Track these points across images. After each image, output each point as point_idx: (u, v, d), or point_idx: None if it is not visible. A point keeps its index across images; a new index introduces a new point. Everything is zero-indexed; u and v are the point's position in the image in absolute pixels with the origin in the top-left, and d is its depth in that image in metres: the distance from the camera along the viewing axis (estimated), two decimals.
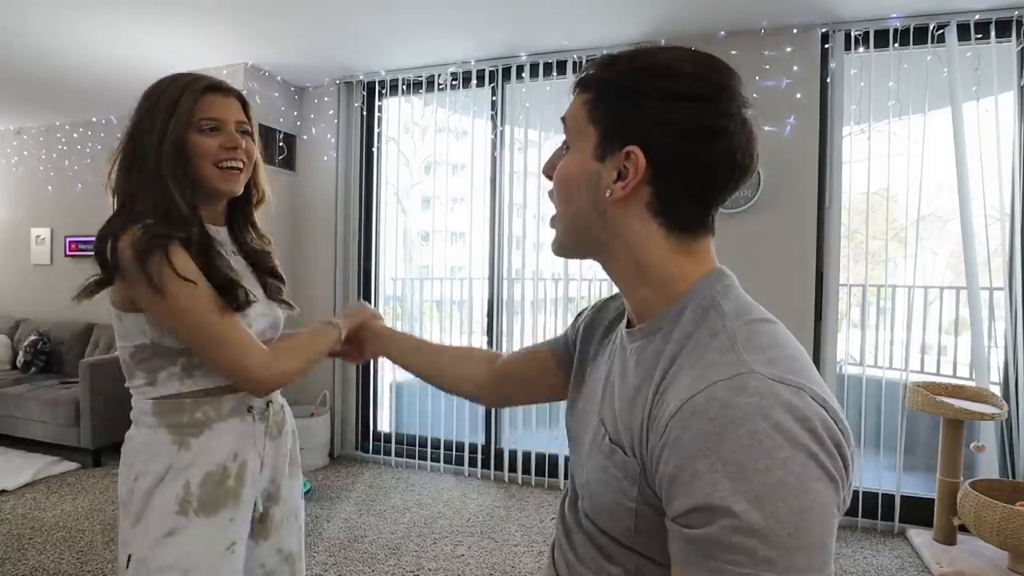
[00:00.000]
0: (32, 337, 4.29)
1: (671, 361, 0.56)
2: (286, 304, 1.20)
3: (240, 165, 1.06)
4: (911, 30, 2.73)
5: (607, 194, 0.59)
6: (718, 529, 0.46)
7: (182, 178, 1.00)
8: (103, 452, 3.60)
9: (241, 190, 1.09)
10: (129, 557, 1.00)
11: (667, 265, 0.60)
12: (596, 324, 0.79)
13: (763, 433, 0.46)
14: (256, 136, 1.11)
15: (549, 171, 0.66)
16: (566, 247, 0.67)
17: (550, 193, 0.66)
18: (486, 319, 3.62)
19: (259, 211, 1.19)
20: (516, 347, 3.60)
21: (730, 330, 0.54)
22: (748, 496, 0.45)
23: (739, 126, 0.57)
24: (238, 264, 1.11)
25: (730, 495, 0.45)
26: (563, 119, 0.64)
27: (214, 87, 1.04)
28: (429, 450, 3.67)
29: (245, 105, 1.10)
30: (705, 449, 0.47)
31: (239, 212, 1.16)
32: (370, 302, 3.83)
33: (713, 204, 0.60)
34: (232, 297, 0.99)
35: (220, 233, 1.12)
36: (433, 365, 1.06)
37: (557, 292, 3.78)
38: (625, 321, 0.70)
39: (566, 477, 2.87)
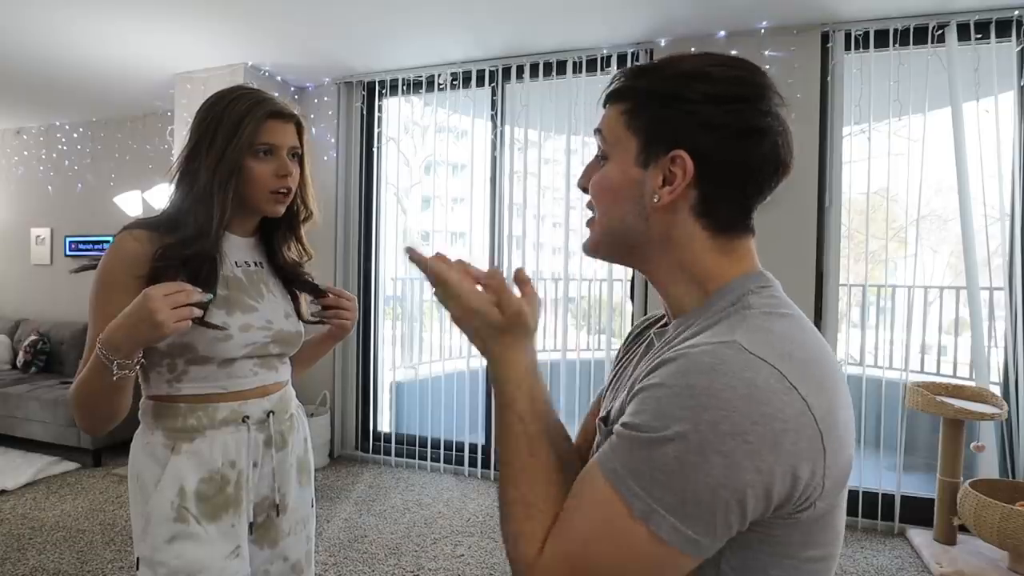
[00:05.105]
0: (32, 337, 4.29)
1: (683, 342, 0.57)
2: (317, 319, 1.22)
3: (287, 190, 1.09)
4: (911, 30, 2.73)
5: (654, 200, 0.59)
6: (626, 435, 0.52)
7: (230, 198, 1.03)
8: (103, 452, 3.60)
9: (283, 211, 1.12)
10: (138, 560, 1.02)
11: (707, 265, 0.61)
12: (626, 345, 0.79)
13: (703, 391, 0.48)
14: (307, 157, 1.14)
15: (585, 183, 0.65)
16: (601, 250, 0.67)
17: (589, 204, 0.66)
18: None
19: (306, 227, 1.21)
20: None
21: (744, 317, 0.55)
22: (665, 424, 0.49)
23: (779, 123, 0.58)
24: (244, 274, 1.11)
25: (641, 413, 0.51)
26: (598, 131, 0.64)
27: (276, 113, 1.06)
28: (429, 450, 3.67)
29: (300, 129, 1.12)
30: (662, 382, 0.52)
31: (281, 226, 1.18)
32: (370, 302, 3.83)
33: (756, 202, 0.61)
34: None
35: (245, 243, 1.14)
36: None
37: (557, 292, 3.79)
38: (661, 322, 0.71)
39: None
